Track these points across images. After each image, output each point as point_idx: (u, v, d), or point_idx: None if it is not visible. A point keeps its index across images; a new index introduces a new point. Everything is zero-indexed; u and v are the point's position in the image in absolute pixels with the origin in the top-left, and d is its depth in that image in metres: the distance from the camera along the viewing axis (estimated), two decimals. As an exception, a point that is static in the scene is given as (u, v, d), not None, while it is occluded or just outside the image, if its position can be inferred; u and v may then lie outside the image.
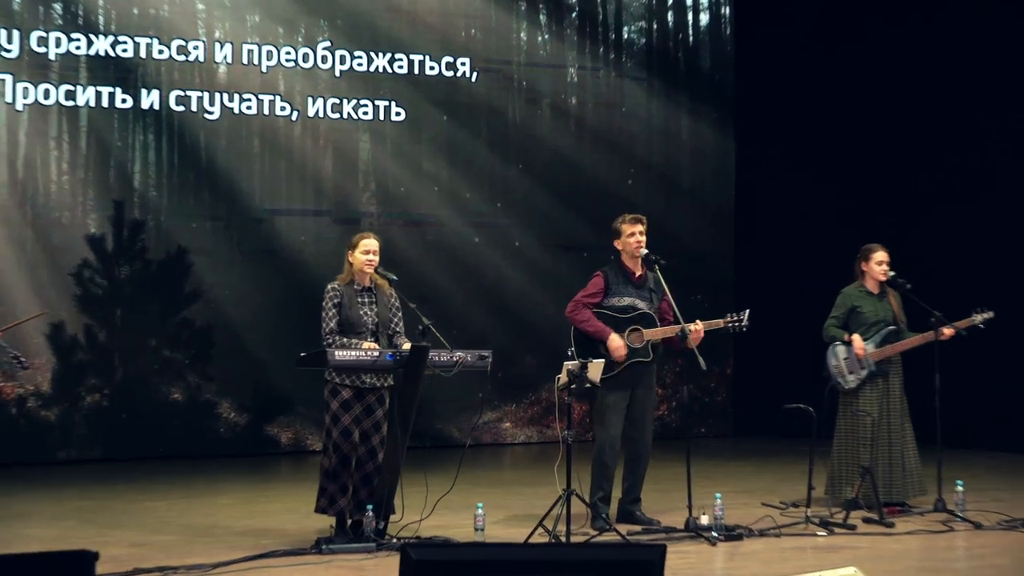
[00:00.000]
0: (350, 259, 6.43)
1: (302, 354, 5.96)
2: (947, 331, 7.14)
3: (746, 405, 11.90)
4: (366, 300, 6.26)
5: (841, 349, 7.37)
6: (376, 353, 5.90)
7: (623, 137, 11.72)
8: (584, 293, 6.87)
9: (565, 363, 6.20)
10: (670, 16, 11.75)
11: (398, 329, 6.41)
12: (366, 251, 6.33)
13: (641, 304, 6.91)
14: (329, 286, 6.40)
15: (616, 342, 6.76)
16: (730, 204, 12.04)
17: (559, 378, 6.11)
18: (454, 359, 5.97)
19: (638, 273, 6.97)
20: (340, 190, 10.94)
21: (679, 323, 6.63)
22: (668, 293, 6.72)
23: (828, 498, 7.31)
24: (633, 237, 6.91)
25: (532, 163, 11.53)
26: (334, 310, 6.16)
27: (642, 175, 11.80)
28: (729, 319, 6.86)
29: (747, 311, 6.85)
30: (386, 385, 6.32)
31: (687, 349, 6.50)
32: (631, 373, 6.81)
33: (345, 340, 6.19)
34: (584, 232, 11.21)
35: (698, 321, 6.75)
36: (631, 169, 11.62)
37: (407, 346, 6.14)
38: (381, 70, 10.76)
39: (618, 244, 7.00)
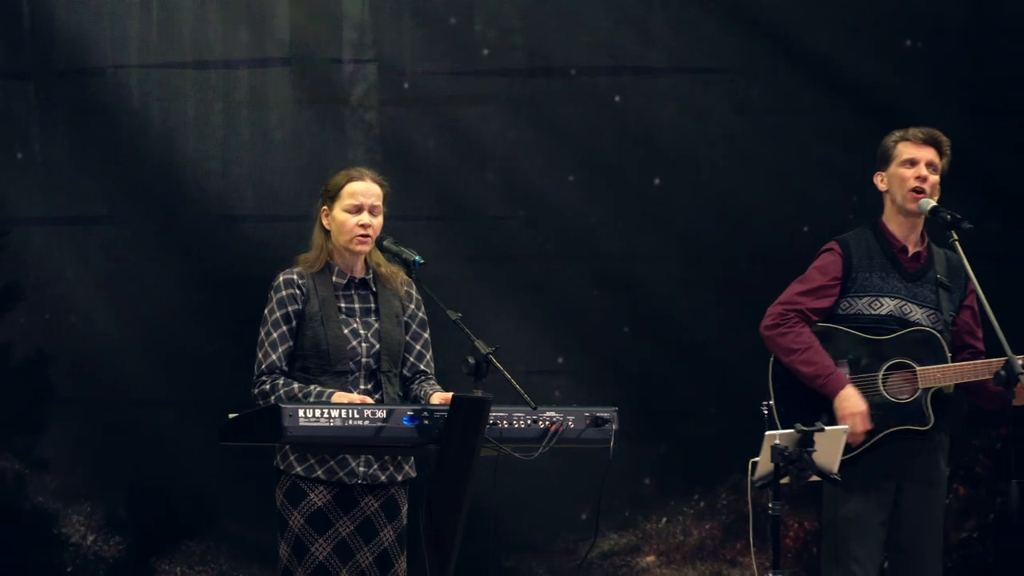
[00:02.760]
0: (324, 223, 5.24)
1: (231, 416, 4.94)
2: None
3: None
4: (357, 306, 5.37)
5: None
6: (380, 413, 5.32)
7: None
8: (802, 289, 5.74)
9: (767, 434, 5.15)
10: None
11: (424, 367, 5.48)
12: (356, 206, 5.20)
13: (918, 313, 5.76)
14: (280, 278, 5.21)
15: (853, 402, 5.64)
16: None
17: (754, 463, 5.32)
18: (543, 425, 5.20)
19: (913, 249, 5.71)
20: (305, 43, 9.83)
21: (1005, 354, 5.32)
22: (979, 291, 5.52)
23: None
24: (915, 168, 5.58)
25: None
26: (284, 327, 5.25)
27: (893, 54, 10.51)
28: None
29: None
30: (400, 480, 5.37)
31: (1015, 406, 5.38)
32: (893, 453, 5.66)
33: (295, 387, 5.15)
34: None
35: None
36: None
37: (443, 398, 5.26)
38: None
39: (881, 182, 5.70)
